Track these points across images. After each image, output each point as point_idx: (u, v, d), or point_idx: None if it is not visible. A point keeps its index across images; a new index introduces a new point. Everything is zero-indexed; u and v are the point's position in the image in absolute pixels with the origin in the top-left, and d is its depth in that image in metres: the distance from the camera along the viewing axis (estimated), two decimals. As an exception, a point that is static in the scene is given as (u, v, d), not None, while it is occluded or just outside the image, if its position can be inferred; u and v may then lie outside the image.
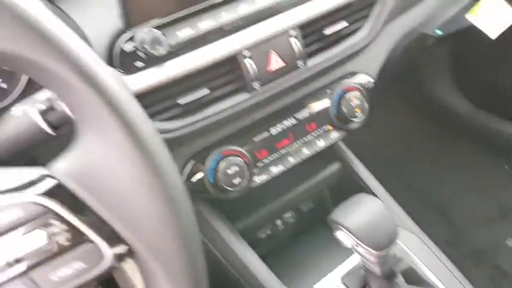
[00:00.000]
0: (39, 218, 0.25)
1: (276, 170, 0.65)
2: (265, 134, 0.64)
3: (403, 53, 0.78)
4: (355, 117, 0.67)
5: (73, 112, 0.27)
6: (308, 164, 0.70)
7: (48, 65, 0.25)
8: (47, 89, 0.34)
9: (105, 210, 0.27)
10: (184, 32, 0.54)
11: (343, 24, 0.64)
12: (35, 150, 0.41)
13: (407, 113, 1.15)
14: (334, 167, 0.79)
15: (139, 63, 0.52)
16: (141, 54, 0.52)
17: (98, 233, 0.26)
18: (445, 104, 1.13)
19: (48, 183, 0.27)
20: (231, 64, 0.57)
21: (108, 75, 0.26)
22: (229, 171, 0.60)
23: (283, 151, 0.65)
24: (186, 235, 0.27)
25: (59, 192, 0.26)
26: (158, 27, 0.52)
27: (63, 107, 0.35)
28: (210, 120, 0.58)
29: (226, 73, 0.58)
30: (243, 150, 0.62)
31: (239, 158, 0.61)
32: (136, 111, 0.26)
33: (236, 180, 0.60)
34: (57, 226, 0.26)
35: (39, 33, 0.25)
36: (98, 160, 0.26)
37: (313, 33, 0.62)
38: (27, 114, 0.36)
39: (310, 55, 0.63)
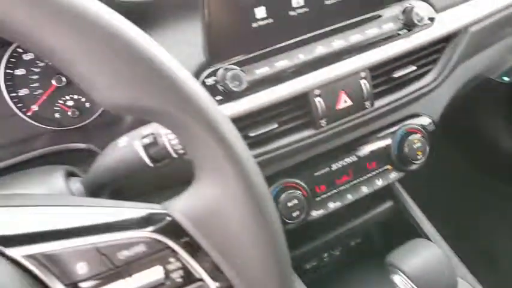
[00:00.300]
0: (159, 254, 0.29)
1: (333, 205, 0.67)
2: (326, 169, 0.66)
3: (465, 97, 0.79)
4: (417, 159, 0.68)
5: (193, 157, 0.30)
6: (361, 200, 0.71)
7: (177, 115, 0.28)
8: (171, 131, 0.37)
9: (214, 250, 0.29)
10: (261, 70, 0.57)
11: (412, 68, 0.65)
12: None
13: (457, 155, 1.14)
14: (387, 204, 0.80)
15: (218, 97, 0.55)
16: (220, 89, 0.55)
17: (207, 271, 0.29)
18: (498, 148, 1.11)
19: (166, 222, 0.30)
20: (301, 101, 0.60)
21: (232, 129, 0.29)
22: (289, 204, 0.62)
23: (342, 187, 0.67)
24: (285, 280, 0.30)
25: (175, 231, 0.29)
26: (238, 64, 0.56)
27: (165, 143, 0.39)
28: (275, 152, 0.61)
29: (296, 109, 0.61)
30: (303, 184, 0.64)
31: (299, 191, 0.63)
32: (253, 165, 0.29)
33: (295, 213, 0.62)
34: (173, 263, 0.29)
35: (173, 88, 0.28)
36: (212, 202, 0.29)
37: (382, 75, 0.65)
38: (132, 146, 0.40)
39: (377, 96, 0.65)
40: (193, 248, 0.29)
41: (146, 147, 0.40)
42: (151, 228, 0.29)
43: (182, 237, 0.29)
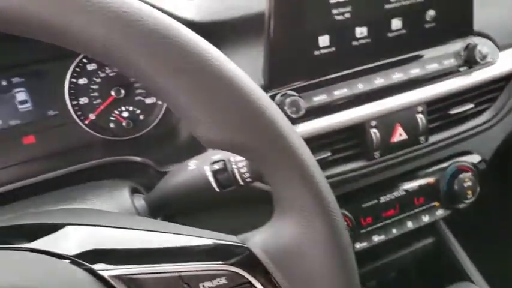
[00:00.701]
0: None
1: (377, 238, 0.67)
2: (373, 202, 0.67)
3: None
4: (466, 198, 0.68)
5: (277, 194, 0.31)
6: (402, 234, 0.71)
7: (270, 155, 0.29)
8: (243, 159, 0.38)
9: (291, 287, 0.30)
10: (319, 98, 0.58)
11: (469, 105, 0.66)
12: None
13: (507, 194, 1.12)
14: (428, 240, 0.80)
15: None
16: (278, 114, 0.57)
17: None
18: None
19: (246, 255, 0.31)
20: (356, 131, 0.61)
21: (321, 174, 0.30)
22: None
23: (388, 221, 0.68)
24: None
25: (255, 266, 0.31)
26: (296, 90, 0.58)
27: (234, 170, 0.41)
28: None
29: (350, 139, 0.62)
30: (349, 215, 0.65)
31: (344, 222, 0.64)
32: (338, 211, 0.30)
33: (339, 244, 0.63)
34: None
35: (270, 130, 0.28)
36: (294, 241, 0.30)
37: (439, 111, 0.65)
38: (201, 170, 0.42)
39: (432, 131, 0.65)
40: (271, 285, 0.30)
41: (215, 173, 0.41)
42: (232, 260, 0.30)
43: (261, 273, 0.30)
